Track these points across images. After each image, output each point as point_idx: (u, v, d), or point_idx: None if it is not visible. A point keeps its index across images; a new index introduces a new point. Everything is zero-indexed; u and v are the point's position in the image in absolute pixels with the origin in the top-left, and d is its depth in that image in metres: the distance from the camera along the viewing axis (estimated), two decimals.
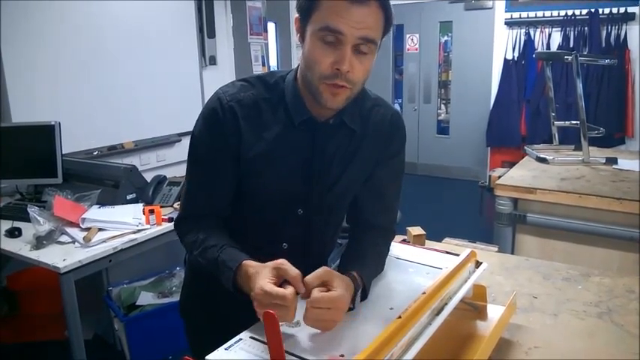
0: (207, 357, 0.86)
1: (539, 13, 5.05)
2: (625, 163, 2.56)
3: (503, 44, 5.27)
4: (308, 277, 0.92)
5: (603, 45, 4.75)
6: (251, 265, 0.96)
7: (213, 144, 1.06)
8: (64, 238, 2.01)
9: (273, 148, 1.06)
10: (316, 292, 0.90)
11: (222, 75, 4.21)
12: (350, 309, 0.98)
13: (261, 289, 0.88)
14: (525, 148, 3.06)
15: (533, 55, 4.69)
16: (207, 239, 1.06)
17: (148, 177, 2.52)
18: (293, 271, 0.91)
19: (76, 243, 1.97)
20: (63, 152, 2.44)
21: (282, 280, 0.91)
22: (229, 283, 0.98)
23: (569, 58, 2.58)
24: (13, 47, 2.77)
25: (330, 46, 0.93)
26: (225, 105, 1.04)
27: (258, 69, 4.73)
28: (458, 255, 1.12)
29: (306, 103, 1.05)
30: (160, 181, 2.48)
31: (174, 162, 3.70)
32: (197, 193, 1.12)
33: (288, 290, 0.88)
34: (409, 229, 1.54)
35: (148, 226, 2.13)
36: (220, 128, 1.05)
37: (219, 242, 1.04)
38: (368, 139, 1.13)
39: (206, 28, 4.04)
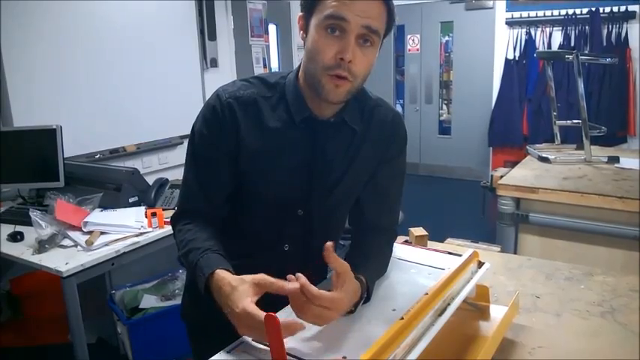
0: None
1: (540, 13, 5.05)
2: (627, 162, 2.56)
3: (505, 44, 5.27)
4: (335, 261, 0.90)
5: (604, 44, 4.75)
6: (225, 277, 0.92)
7: (211, 139, 1.07)
8: (66, 242, 2.01)
9: (273, 147, 1.06)
10: (316, 290, 0.86)
11: (224, 77, 4.19)
12: (350, 311, 0.98)
13: (244, 310, 0.84)
14: (527, 147, 3.05)
15: (535, 55, 4.67)
16: (193, 241, 1.05)
17: (150, 180, 2.52)
18: (275, 283, 0.87)
19: (79, 246, 1.97)
20: (65, 156, 2.44)
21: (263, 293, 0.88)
22: (202, 290, 0.96)
23: (571, 57, 2.58)
24: (14, 51, 2.77)
25: (334, 36, 0.95)
26: (224, 102, 1.05)
27: (259, 71, 4.73)
28: (460, 255, 1.12)
29: (307, 100, 1.06)
30: (162, 183, 2.48)
31: (176, 165, 3.71)
32: (193, 187, 1.12)
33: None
34: (411, 229, 1.53)
35: (151, 229, 2.13)
36: (218, 124, 1.05)
37: (202, 246, 1.02)
38: (369, 140, 1.13)
39: (207, 30, 4.04)
